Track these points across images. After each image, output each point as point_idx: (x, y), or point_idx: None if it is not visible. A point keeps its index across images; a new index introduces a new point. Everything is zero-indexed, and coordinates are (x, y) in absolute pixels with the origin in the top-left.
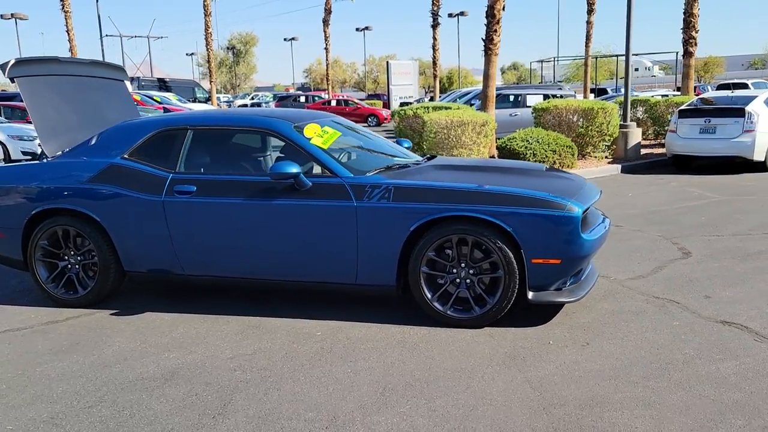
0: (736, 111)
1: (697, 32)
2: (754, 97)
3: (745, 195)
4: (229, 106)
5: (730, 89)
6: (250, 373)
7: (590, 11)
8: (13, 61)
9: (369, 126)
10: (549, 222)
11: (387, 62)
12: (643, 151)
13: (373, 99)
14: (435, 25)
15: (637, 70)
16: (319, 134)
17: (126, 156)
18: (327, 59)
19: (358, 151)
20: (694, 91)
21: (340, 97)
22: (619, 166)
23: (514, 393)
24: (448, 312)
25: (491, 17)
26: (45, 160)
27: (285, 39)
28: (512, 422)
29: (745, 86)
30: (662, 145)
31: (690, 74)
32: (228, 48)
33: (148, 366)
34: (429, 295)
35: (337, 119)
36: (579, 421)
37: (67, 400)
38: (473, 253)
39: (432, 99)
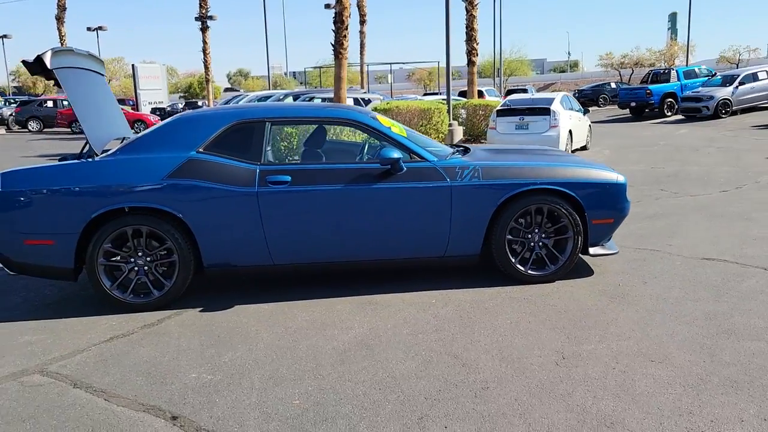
0: (543, 110)
1: (477, 44)
2: (553, 98)
3: None
4: None
5: (524, 93)
6: (437, 333)
7: (362, 22)
8: (50, 52)
9: (137, 132)
10: (606, 189)
11: (133, 65)
12: None
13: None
14: (204, 29)
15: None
16: (389, 124)
17: (202, 150)
18: None
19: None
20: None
21: None
22: None
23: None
24: (529, 271)
25: (340, 23)
26: (97, 158)
27: None
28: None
29: (524, 90)
30: (479, 141)
31: (474, 80)
32: None
33: (324, 344)
34: (513, 259)
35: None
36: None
37: (293, 371)
38: (546, 220)
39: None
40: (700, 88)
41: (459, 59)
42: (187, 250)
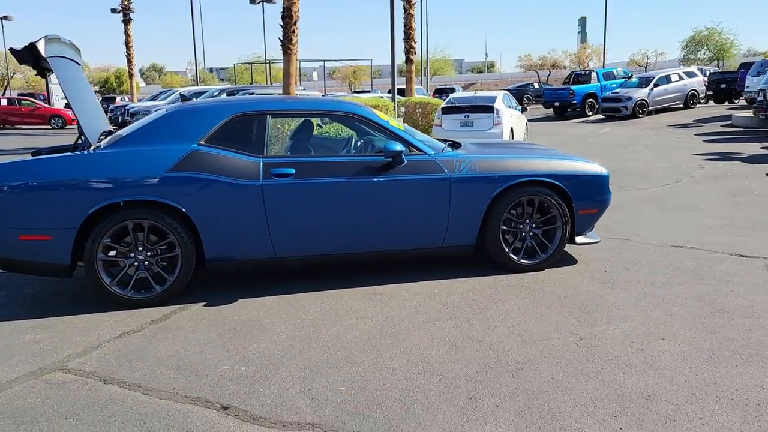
0: (487, 108)
1: (415, 43)
2: (495, 97)
3: None
4: None
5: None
6: (452, 321)
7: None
8: (44, 39)
9: (54, 128)
10: (591, 180)
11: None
12: None
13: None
14: (126, 21)
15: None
16: (386, 118)
17: (203, 142)
18: None
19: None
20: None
21: (14, 96)
22: None
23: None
24: (521, 260)
25: (288, 18)
26: (96, 150)
27: None
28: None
29: (452, 90)
30: None
31: (412, 78)
32: None
33: (346, 334)
34: (506, 249)
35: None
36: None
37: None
38: (535, 211)
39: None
40: (618, 90)
41: (386, 58)
42: (189, 244)
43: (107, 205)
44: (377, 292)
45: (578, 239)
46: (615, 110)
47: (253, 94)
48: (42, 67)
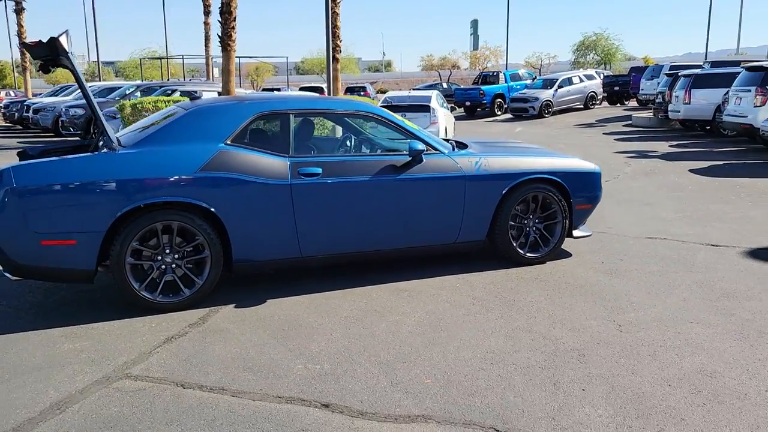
0: (423, 107)
1: (341, 41)
2: (430, 96)
3: None
4: None
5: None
6: (490, 313)
7: (207, 13)
8: (65, 34)
9: None
10: (587, 177)
11: None
12: None
13: None
14: (19, 11)
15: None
16: (400, 118)
17: (229, 142)
18: None
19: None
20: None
21: None
22: None
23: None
24: (527, 254)
25: (228, 14)
26: (120, 150)
27: None
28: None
29: (363, 88)
30: None
31: (338, 77)
32: None
33: (397, 329)
34: (515, 243)
35: None
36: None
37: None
38: (539, 207)
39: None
40: (525, 90)
41: (299, 55)
42: (219, 245)
43: (135, 207)
44: (401, 288)
45: (575, 233)
46: (523, 110)
47: (174, 91)
48: (55, 64)
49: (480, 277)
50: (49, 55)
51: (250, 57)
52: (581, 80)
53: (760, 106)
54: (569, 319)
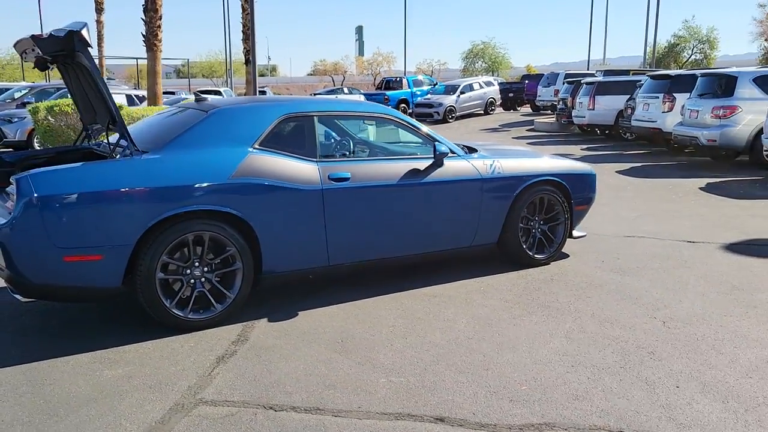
0: None
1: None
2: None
3: None
4: None
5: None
6: (534, 316)
7: (99, 11)
8: (86, 28)
9: None
10: (585, 179)
11: None
12: None
13: None
14: None
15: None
16: (415, 121)
17: (257, 146)
18: None
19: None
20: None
21: None
22: None
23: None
24: (535, 255)
25: (153, 12)
26: (145, 156)
27: None
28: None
29: (264, 92)
30: None
31: (253, 80)
32: None
33: (453, 336)
34: (524, 245)
35: None
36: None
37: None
38: (544, 208)
39: None
40: (429, 96)
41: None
42: (250, 257)
43: (166, 218)
44: (428, 294)
45: (574, 233)
46: (428, 115)
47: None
48: (66, 59)
49: (497, 281)
50: (62, 50)
51: (140, 58)
52: (481, 86)
53: (668, 111)
54: (612, 317)
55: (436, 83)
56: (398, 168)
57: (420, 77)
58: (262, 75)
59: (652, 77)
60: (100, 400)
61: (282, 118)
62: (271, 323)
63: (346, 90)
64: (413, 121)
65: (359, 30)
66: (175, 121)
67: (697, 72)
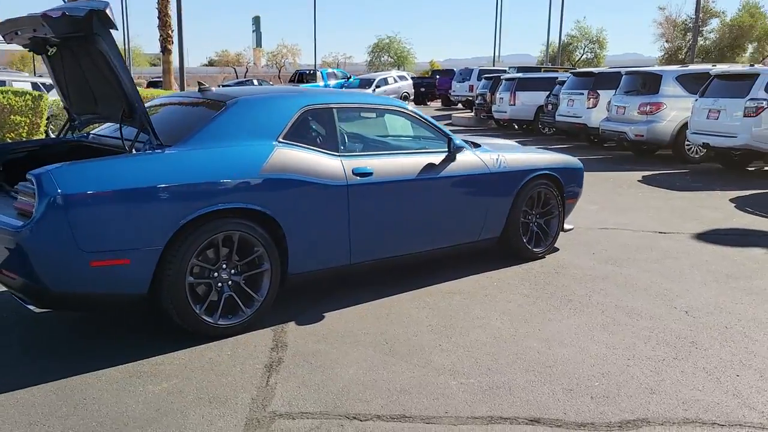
0: None
1: (172, 31)
2: None
3: None
4: None
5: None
6: (559, 311)
7: None
8: (110, 7)
9: None
10: (576, 173)
11: None
12: None
13: None
14: None
15: None
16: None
17: (282, 139)
18: None
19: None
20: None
21: None
22: None
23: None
24: (534, 248)
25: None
26: (170, 149)
27: None
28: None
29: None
30: None
31: (170, 69)
32: None
33: (494, 333)
34: (524, 239)
35: None
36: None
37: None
38: (541, 202)
39: None
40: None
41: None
42: (278, 257)
43: (197, 217)
44: (445, 290)
45: (566, 226)
46: None
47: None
48: (80, 41)
49: (505, 275)
50: (79, 30)
51: None
52: (396, 81)
53: (593, 107)
54: (636, 309)
55: (350, 77)
56: (416, 162)
57: (333, 70)
58: (153, 65)
59: (576, 74)
60: (160, 420)
61: (304, 110)
62: (302, 326)
63: (255, 82)
64: (421, 113)
65: (256, 21)
66: (188, 113)
67: (622, 70)
